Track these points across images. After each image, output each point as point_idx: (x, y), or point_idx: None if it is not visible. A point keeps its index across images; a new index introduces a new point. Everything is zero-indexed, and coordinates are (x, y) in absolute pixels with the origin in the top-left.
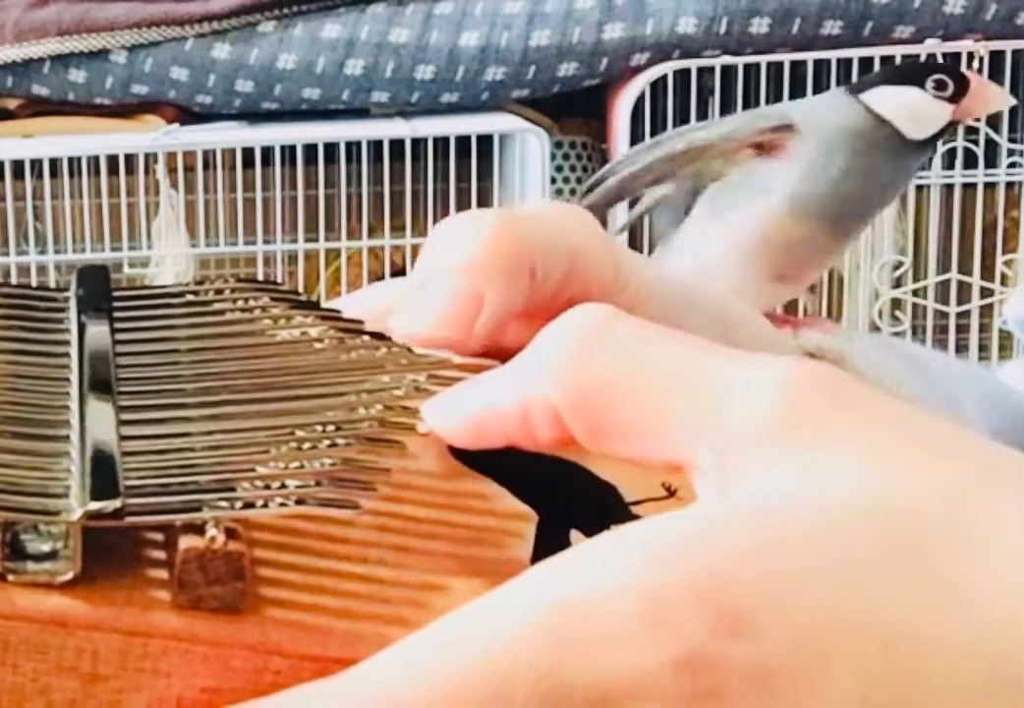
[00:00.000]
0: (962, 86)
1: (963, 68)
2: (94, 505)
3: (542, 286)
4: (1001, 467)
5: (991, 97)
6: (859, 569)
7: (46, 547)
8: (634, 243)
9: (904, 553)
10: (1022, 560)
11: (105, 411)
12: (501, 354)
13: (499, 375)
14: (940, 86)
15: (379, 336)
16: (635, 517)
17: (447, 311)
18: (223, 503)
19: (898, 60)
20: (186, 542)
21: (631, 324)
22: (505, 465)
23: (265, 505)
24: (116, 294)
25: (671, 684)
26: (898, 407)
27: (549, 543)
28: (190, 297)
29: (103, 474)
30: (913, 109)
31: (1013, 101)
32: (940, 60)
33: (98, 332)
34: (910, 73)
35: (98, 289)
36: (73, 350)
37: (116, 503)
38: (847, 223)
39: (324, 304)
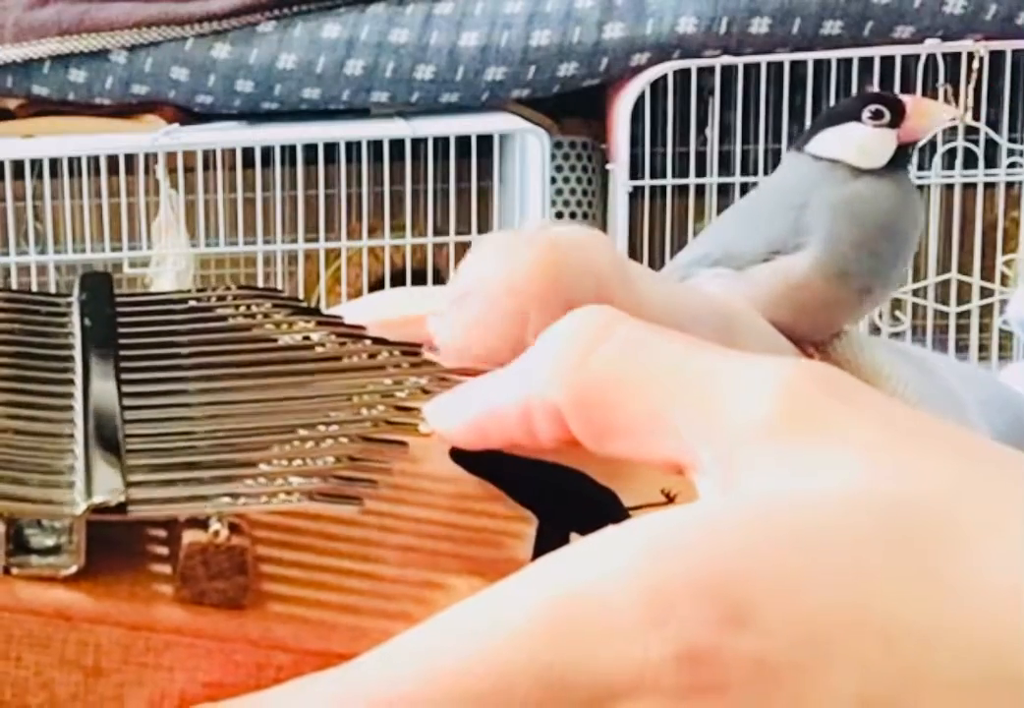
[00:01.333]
0: (898, 110)
1: (963, 68)
2: (98, 499)
3: (573, 308)
4: (994, 462)
5: (932, 114)
6: (858, 565)
7: (50, 541)
8: (633, 250)
9: (901, 549)
10: (1017, 555)
11: (109, 408)
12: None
13: (501, 376)
14: (877, 115)
15: (381, 341)
16: None
17: (496, 328)
18: (226, 498)
19: (898, 60)
20: (189, 537)
21: (632, 326)
22: (505, 470)
23: (268, 501)
24: (119, 300)
25: (672, 678)
26: (893, 405)
27: (549, 546)
28: (193, 303)
29: (107, 469)
30: (858, 143)
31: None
32: (940, 60)
33: (101, 338)
34: (845, 110)
35: (101, 295)
36: (77, 354)
37: (120, 497)
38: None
39: (326, 310)
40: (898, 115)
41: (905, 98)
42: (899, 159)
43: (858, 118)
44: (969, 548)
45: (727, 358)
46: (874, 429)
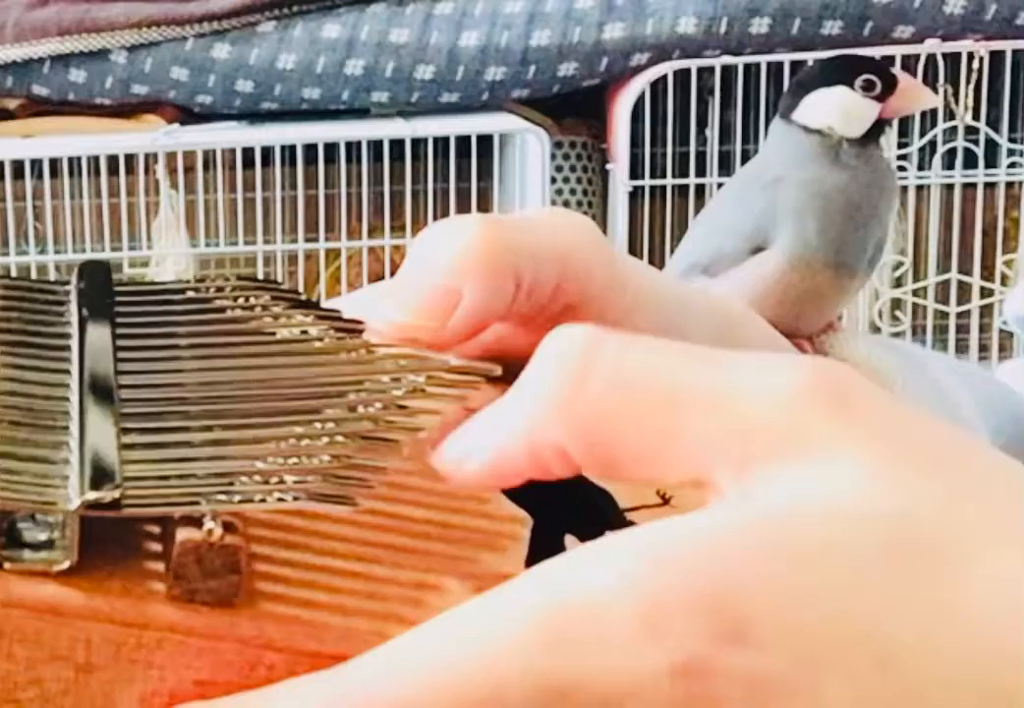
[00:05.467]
0: (890, 85)
1: (963, 68)
2: (92, 495)
3: (534, 291)
4: (996, 477)
5: (920, 97)
6: (855, 583)
7: (43, 536)
8: (633, 250)
9: (899, 567)
10: (1014, 574)
11: (105, 404)
12: (501, 361)
13: (498, 413)
14: (868, 86)
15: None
16: (629, 523)
17: (423, 302)
18: (221, 496)
19: (898, 60)
20: (183, 534)
21: (618, 343)
22: None
23: (263, 500)
24: (117, 289)
25: (667, 690)
26: (898, 412)
27: (543, 547)
28: (191, 294)
29: (101, 465)
30: (844, 108)
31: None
32: (940, 60)
33: (99, 327)
34: (840, 72)
35: (99, 284)
36: (74, 343)
37: (114, 494)
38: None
39: (324, 304)
40: (888, 89)
41: (901, 75)
42: (874, 132)
43: (849, 84)
44: (966, 567)
45: (726, 366)
46: (878, 441)
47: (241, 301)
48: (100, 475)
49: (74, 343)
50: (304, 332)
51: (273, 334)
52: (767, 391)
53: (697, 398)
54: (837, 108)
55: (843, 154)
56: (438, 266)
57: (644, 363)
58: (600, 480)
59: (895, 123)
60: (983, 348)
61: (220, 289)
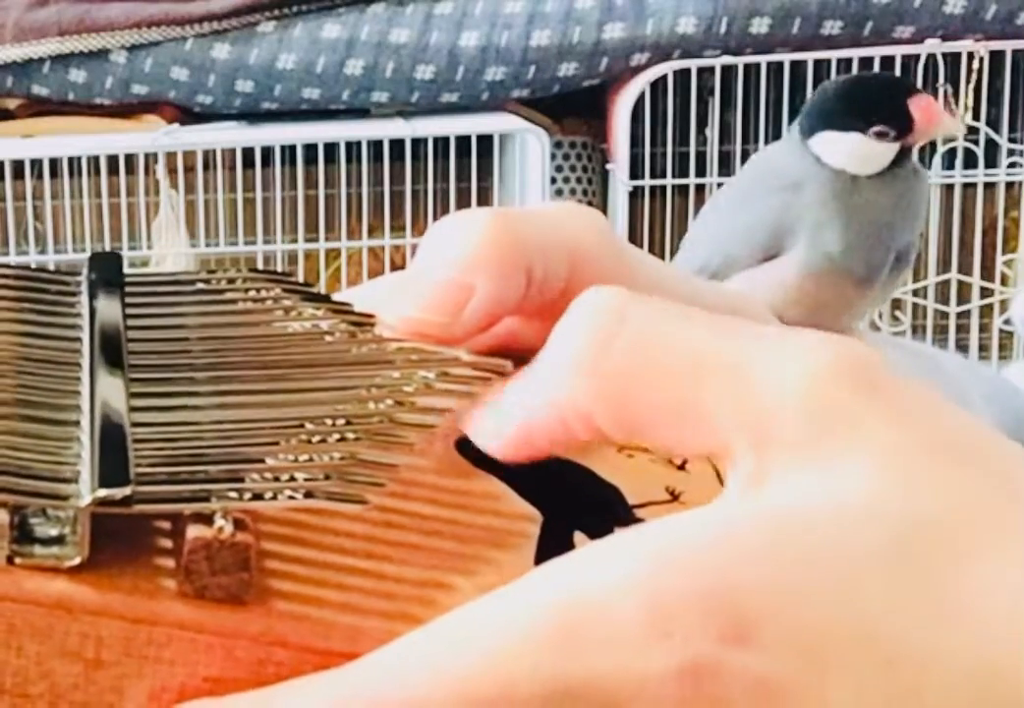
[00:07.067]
0: (906, 126)
1: (963, 68)
2: (103, 492)
3: (545, 285)
4: (1011, 475)
5: (939, 128)
6: (862, 584)
7: (54, 531)
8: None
9: (906, 568)
10: (1018, 575)
11: (116, 397)
12: (512, 355)
13: (524, 382)
14: (881, 136)
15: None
16: (638, 520)
17: (434, 297)
18: (232, 494)
19: (898, 60)
20: (194, 531)
21: (646, 307)
22: (511, 465)
23: (274, 497)
24: (127, 279)
25: (673, 690)
26: (919, 399)
27: (552, 544)
28: (201, 285)
29: (113, 461)
30: (860, 155)
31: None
32: (940, 60)
33: (110, 316)
34: (851, 117)
35: (110, 274)
36: (84, 334)
37: (125, 490)
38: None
39: (335, 298)
40: (904, 131)
41: (916, 112)
42: (899, 159)
43: (863, 131)
44: (972, 568)
45: (753, 339)
46: (895, 435)
47: (252, 294)
48: (112, 471)
49: (84, 336)
50: (315, 325)
51: (284, 327)
52: (790, 367)
53: (718, 367)
54: (852, 154)
55: (861, 183)
56: (449, 261)
57: (670, 328)
58: (607, 475)
59: None
60: (983, 348)
61: (231, 281)
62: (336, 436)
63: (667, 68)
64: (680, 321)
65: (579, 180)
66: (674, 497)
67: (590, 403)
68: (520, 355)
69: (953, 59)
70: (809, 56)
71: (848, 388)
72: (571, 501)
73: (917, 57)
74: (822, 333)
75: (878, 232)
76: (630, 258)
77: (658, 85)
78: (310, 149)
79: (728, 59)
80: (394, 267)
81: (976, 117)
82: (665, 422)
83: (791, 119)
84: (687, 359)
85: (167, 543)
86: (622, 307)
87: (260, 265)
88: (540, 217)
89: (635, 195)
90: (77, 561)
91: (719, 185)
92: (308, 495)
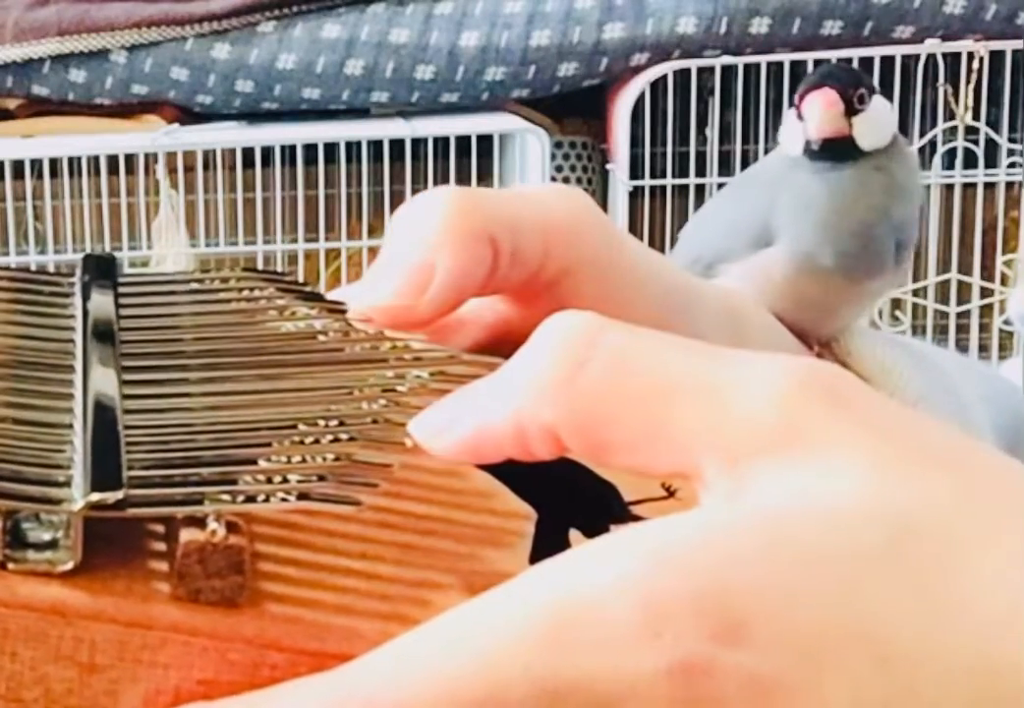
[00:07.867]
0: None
1: (963, 68)
2: (96, 496)
3: (516, 259)
4: (995, 477)
5: (811, 119)
6: (854, 583)
7: (47, 536)
8: None
9: (898, 567)
10: (1013, 574)
11: (109, 402)
12: (505, 346)
13: (487, 389)
14: (799, 114)
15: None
16: (634, 517)
17: (399, 282)
18: (225, 496)
19: (898, 60)
20: (187, 535)
21: (620, 332)
22: (506, 462)
23: (267, 499)
24: (121, 280)
25: (666, 690)
26: (894, 411)
27: (548, 542)
28: (195, 285)
29: (106, 464)
30: (788, 134)
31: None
32: (940, 60)
33: (102, 317)
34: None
35: (103, 275)
36: (77, 336)
37: (118, 494)
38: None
39: (329, 297)
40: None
41: (803, 107)
42: (846, 152)
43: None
44: (966, 566)
45: (723, 361)
46: (872, 439)
47: (246, 293)
48: (104, 475)
49: (78, 338)
50: (309, 325)
51: (278, 328)
52: (760, 386)
53: (689, 390)
54: (787, 132)
55: (830, 177)
56: (413, 241)
57: (642, 353)
58: (605, 472)
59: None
60: (983, 348)
61: (225, 280)
62: (329, 437)
63: (667, 68)
64: (652, 345)
65: (579, 180)
66: (670, 493)
67: (557, 420)
68: (512, 348)
69: (953, 59)
70: (809, 56)
71: (822, 403)
72: (567, 498)
73: (917, 57)
74: (792, 356)
75: (847, 228)
76: (617, 240)
77: (658, 85)
78: (310, 149)
79: (728, 59)
80: None
81: (976, 117)
82: (635, 444)
83: None
84: (658, 382)
85: (160, 547)
86: (593, 331)
87: (260, 265)
88: (514, 195)
89: (635, 195)
90: (70, 566)
91: (719, 185)
92: (302, 497)
